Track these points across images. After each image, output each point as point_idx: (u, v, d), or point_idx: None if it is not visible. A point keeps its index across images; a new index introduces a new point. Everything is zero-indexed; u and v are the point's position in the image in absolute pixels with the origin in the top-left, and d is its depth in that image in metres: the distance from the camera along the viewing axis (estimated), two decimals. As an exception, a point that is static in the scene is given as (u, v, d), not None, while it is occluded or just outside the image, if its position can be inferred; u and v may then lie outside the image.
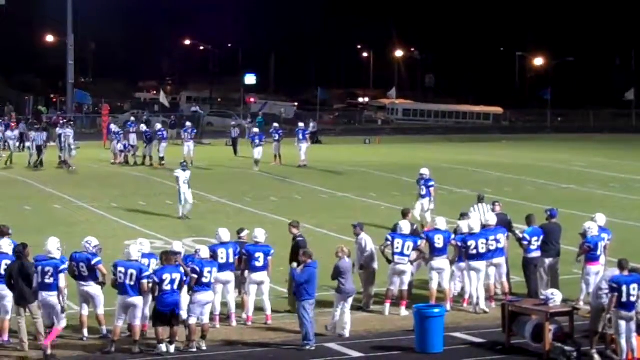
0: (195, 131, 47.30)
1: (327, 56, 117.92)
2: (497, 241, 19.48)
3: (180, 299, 16.65)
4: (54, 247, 16.74)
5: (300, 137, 45.32)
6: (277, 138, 45.65)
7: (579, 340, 16.34)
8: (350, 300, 17.55)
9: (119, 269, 16.59)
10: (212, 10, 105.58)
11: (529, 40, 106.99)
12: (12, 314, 17.12)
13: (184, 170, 30.39)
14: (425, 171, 28.05)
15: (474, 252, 19.17)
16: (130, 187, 37.41)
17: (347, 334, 17.44)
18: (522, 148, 59.45)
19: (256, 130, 46.10)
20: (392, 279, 19.09)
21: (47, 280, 16.52)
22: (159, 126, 46.51)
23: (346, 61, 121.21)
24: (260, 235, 18.52)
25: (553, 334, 16.17)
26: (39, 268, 16.58)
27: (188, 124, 48.14)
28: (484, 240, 19.22)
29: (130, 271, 16.51)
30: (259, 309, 18.42)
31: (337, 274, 17.42)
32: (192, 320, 16.65)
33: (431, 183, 27.81)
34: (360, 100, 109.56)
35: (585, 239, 19.22)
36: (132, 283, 16.49)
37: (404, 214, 20.45)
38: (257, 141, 43.49)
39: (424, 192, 27.58)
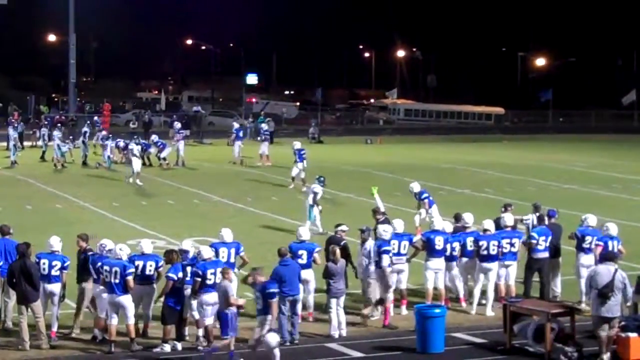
0: (183, 132, 47.29)
1: (329, 56, 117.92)
2: (512, 245, 19.50)
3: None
4: (56, 243, 17.19)
5: (234, 137, 46.47)
6: (266, 137, 46.94)
7: (581, 340, 16.35)
8: (342, 300, 17.60)
9: (105, 267, 16.73)
10: (213, 10, 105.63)
11: (530, 41, 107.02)
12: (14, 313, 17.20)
13: (322, 185, 28.28)
14: (414, 186, 27.54)
15: (485, 252, 19.21)
16: (132, 186, 37.38)
17: (344, 333, 17.49)
18: (523, 148, 59.43)
19: (298, 144, 38.71)
20: (390, 279, 19.09)
21: (53, 273, 16.98)
22: (155, 138, 45.81)
23: (348, 61, 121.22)
24: (304, 233, 18.58)
25: (554, 334, 16.19)
26: (46, 261, 16.92)
27: (177, 124, 48.36)
28: (495, 242, 19.28)
29: (114, 269, 16.60)
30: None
31: (328, 274, 17.59)
32: (208, 321, 16.71)
33: (424, 195, 27.44)
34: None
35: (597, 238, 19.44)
36: (117, 281, 16.56)
37: (375, 212, 20.65)
38: (303, 155, 37.96)
39: (427, 207, 27.08)
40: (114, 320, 16.66)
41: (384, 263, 18.26)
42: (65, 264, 17.13)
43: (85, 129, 47.06)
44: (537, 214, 20.96)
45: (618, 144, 64.37)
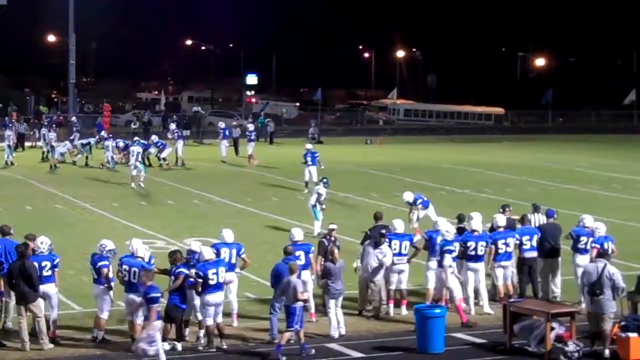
0: (177, 131, 47.35)
1: (329, 56, 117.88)
2: (507, 245, 19.50)
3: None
4: (42, 244, 17.16)
5: (221, 136, 48.02)
6: (252, 138, 48.02)
7: (581, 340, 16.34)
8: (340, 300, 17.59)
9: (124, 266, 16.81)
10: (213, 10, 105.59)
11: (530, 41, 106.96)
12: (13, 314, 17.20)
13: (326, 187, 28.24)
14: (407, 197, 27.21)
15: (472, 253, 19.21)
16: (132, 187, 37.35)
17: (343, 332, 17.49)
18: (523, 148, 59.44)
19: (309, 146, 37.92)
20: (391, 279, 19.13)
21: (45, 273, 16.96)
22: (155, 138, 45.89)
23: (348, 61, 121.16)
24: (298, 234, 18.60)
25: (555, 335, 16.20)
26: (35, 264, 16.87)
27: (172, 125, 48.51)
28: (483, 243, 19.26)
29: (133, 269, 16.66)
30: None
31: (326, 274, 17.60)
32: (209, 322, 16.72)
33: (419, 201, 27.43)
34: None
35: (593, 240, 19.40)
36: (136, 280, 16.61)
37: (377, 218, 20.44)
38: (308, 160, 36.67)
39: (422, 213, 27.00)
40: (139, 319, 16.61)
41: (446, 263, 18.47)
42: (55, 262, 17.10)
43: (91, 140, 46.86)
44: (520, 216, 20.91)
45: (618, 144, 64.37)
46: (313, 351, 16.35)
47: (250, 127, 49.82)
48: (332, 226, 19.71)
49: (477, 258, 19.24)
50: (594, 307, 16.18)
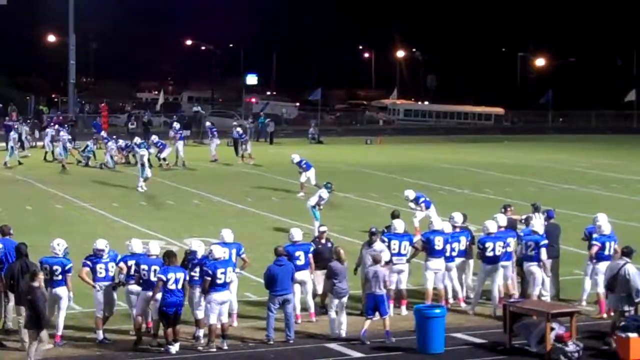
0: (181, 132, 47.39)
1: (329, 56, 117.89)
2: (507, 245, 19.47)
3: (183, 299, 16.74)
4: (56, 246, 17.09)
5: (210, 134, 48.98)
6: (245, 138, 48.82)
7: (580, 341, 16.35)
8: (344, 300, 17.58)
9: (142, 266, 16.81)
10: (213, 11, 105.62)
11: (530, 41, 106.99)
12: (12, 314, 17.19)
13: (330, 191, 28.02)
14: (409, 193, 27.37)
15: (491, 254, 19.07)
16: (131, 186, 37.35)
17: (343, 334, 17.45)
18: (523, 148, 59.44)
19: (297, 157, 36.06)
20: (390, 279, 19.09)
21: (55, 278, 16.86)
22: (155, 138, 45.76)
23: (348, 61, 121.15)
24: (297, 234, 18.60)
25: (555, 335, 16.20)
26: (47, 267, 16.80)
27: (176, 125, 48.55)
28: (501, 243, 19.17)
29: (153, 267, 16.72)
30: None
31: (332, 274, 17.58)
32: (213, 320, 16.68)
33: (422, 199, 27.42)
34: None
35: (593, 238, 19.26)
36: (155, 278, 16.66)
37: (394, 217, 20.45)
38: (304, 166, 36.00)
39: (423, 209, 27.00)
40: (148, 318, 16.83)
41: (543, 257, 18.83)
42: (67, 267, 16.93)
43: (89, 143, 46.67)
44: (524, 217, 20.87)
45: (618, 144, 64.36)
46: (394, 339, 16.92)
47: (239, 129, 49.79)
48: (322, 228, 19.72)
49: (496, 259, 19.04)
50: (609, 301, 17.22)
